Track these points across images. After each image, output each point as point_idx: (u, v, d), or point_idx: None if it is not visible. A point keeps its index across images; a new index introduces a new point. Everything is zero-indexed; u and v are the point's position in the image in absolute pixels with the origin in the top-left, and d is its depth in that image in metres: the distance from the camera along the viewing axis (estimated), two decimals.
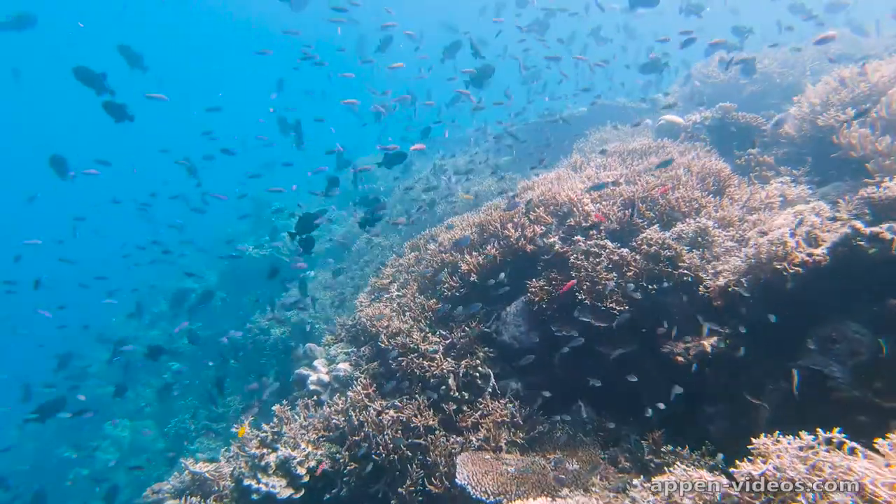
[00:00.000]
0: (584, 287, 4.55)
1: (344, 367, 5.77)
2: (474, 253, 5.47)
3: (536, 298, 4.88)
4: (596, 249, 4.71)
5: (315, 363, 6.16)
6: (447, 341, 5.19)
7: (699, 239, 4.64)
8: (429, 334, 5.25)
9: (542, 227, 5.23)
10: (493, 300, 5.44)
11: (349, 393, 5.09)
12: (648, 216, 4.97)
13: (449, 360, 5.03)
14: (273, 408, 5.36)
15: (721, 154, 6.66)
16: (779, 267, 3.50)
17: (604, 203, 5.02)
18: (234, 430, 5.53)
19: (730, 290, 3.70)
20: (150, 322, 17.57)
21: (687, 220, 4.88)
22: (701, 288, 4.20)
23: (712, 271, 4.26)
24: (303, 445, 4.83)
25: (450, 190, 12.81)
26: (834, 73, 6.20)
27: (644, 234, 4.70)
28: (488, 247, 5.39)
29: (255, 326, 13.88)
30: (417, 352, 5.07)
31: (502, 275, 5.18)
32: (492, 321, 5.33)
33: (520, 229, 5.31)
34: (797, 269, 3.52)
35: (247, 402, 13.20)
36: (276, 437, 4.99)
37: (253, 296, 15.86)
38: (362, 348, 5.86)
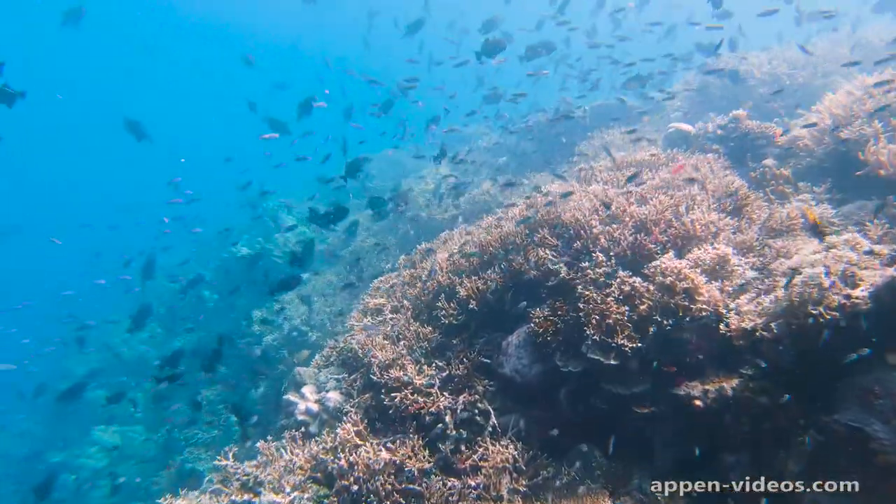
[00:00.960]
0: (593, 321, 4.18)
1: (334, 396, 5.40)
2: (473, 277, 5.09)
3: (540, 329, 4.51)
4: (606, 279, 4.34)
5: (304, 389, 5.79)
6: (444, 374, 4.82)
7: (717, 268, 4.27)
8: (424, 366, 4.88)
9: (548, 251, 4.85)
10: (493, 327, 5.08)
11: (338, 430, 4.71)
12: (661, 240, 4.59)
13: (446, 394, 4.67)
14: (257, 444, 5.00)
15: (734, 166, 6.29)
16: (814, 312, 3.14)
17: (613, 227, 4.64)
18: (218, 462, 5.18)
19: (757, 334, 3.34)
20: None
21: (704, 245, 4.52)
22: (721, 326, 3.83)
23: (734, 307, 3.89)
24: (287, 489, 4.47)
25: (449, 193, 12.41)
26: (857, 81, 5.82)
27: (658, 263, 4.33)
28: (489, 271, 5.02)
29: (247, 331, 13.54)
30: (412, 386, 4.70)
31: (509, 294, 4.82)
32: (492, 351, 4.97)
33: (523, 252, 4.94)
34: (834, 313, 3.16)
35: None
36: (257, 482, 4.62)
37: (245, 298, 15.49)
38: (354, 375, 5.49)
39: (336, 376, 5.80)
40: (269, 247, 16.57)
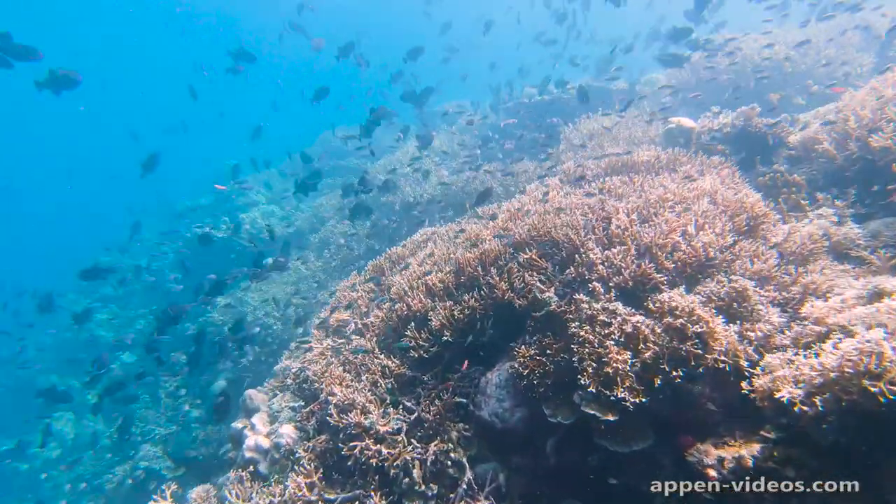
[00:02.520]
0: (589, 368, 3.52)
1: (287, 431, 4.71)
2: (448, 302, 4.39)
3: (525, 371, 3.85)
4: (605, 317, 3.67)
5: (254, 419, 5.09)
6: (413, 415, 4.15)
7: (735, 305, 3.63)
8: (390, 407, 4.20)
9: (535, 277, 4.16)
10: (470, 359, 4.41)
11: (289, 484, 4.03)
12: (667, 267, 3.93)
13: (414, 442, 4.01)
14: (190, 495, 4.30)
15: (742, 169, 5.62)
16: (872, 389, 2.50)
17: (614, 252, 3.95)
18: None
19: (795, 409, 2.71)
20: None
21: (717, 275, 3.87)
22: (744, 385, 3.20)
23: (762, 365, 3.25)
24: None
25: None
26: (889, 77, 5.15)
27: (665, 297, 3.66)
28: (466, 296, 4.32)
29: (208, 320, 12.73)
30: (375, 432, 4.02)
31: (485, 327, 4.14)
32: (468, 389, 4.30)
33: (506, 277, 4.25)
34: None
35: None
36: None
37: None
38: (311, 406, 4.79)
39: (291, 404, 5.10)
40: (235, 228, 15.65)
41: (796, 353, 3.03)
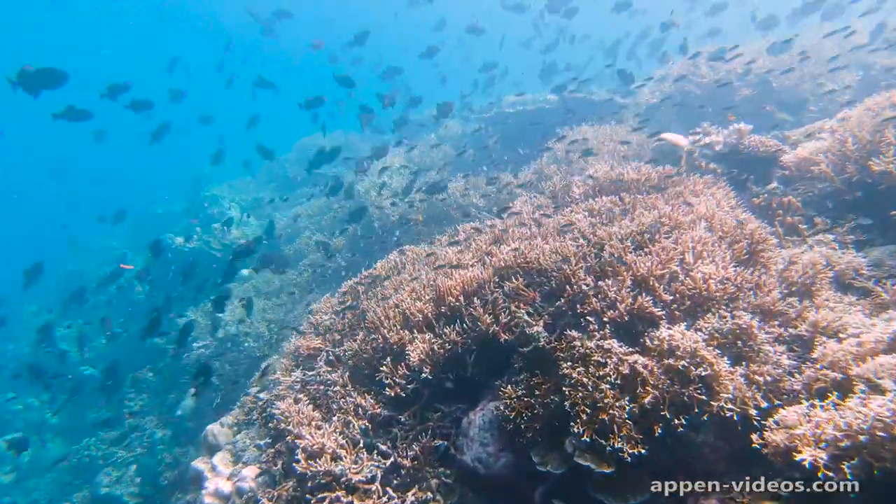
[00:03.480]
0: (583, 415, 3.19)
1: (251, 474, 4.31)
2: (428, 334, 4.04)
3: (511, 413, 3.51)
4: (599, 356, 3.35)
5: (216, 459, 4.68)
6: (388, 460, 3.78)
7: (739, 343, 3.34)
8: (363, 451, 3.83)
9: (522, 309, 3.83)
10: (451, 396, 4.07)
11: None
12: (665, 300, 3.63)
13: (390, 491, 3.64)
14: None
15: (734, 189, 5.38)
16: None
17: (608, 283, 3.64)
18: None
19: (819, 475, 2.41)
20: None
21: (719, 309, 3.58)
22: (755, 438, 2.90)
23: (776, 419, 2.96)
24: None
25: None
26: (885, 97, 4.95)
27: (664, 335, 3.36)
28: (447, 329, 3.97)
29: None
30: (346, 479, 3.64)
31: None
32: (449, 429, 3.95)
33: (491, 308, 3.91)
34: None
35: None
36: None
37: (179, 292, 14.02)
38: (279, 444, 4.39)
39: (257, 441, 4.70)
40: (207, 238, 15.11)
41: (812, 405, 2.74)
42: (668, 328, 3.49)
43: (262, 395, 5.19)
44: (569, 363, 3.41)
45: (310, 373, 4.67)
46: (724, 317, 3.46)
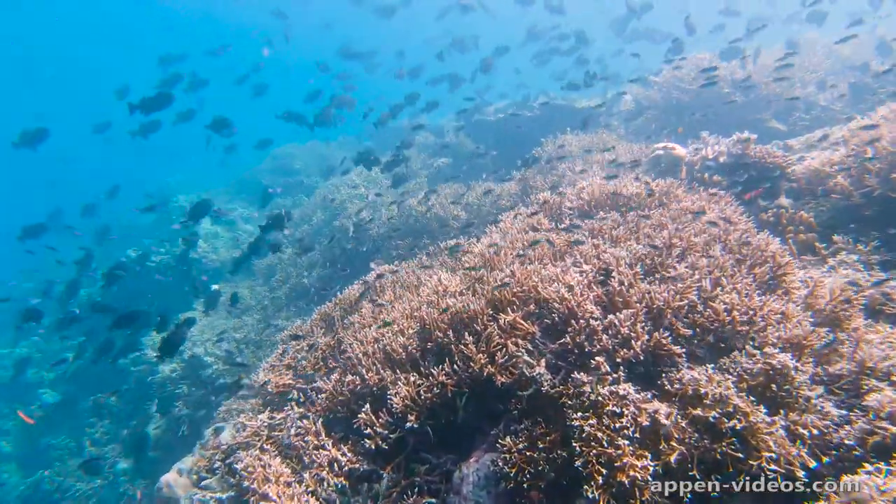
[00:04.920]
0: (597, 476, 2.71)
1: None
2: (413, 375, 3.53)
3: (510, 469, 3.02)
4: (613, 405, 2.87)
5: None
6: None
7: (773, 387, 2.90)
8: None
9: (521, 346, 3.35)
10: (440, 444, 3.56)
11: None
12: (684, 334, 3.18)
13: None
14: None
15: (741, 203, 4.99)
16: None
17: (620, 317, 3.18)
18: None
19: None
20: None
21: (745, 344, 3.14)
22: None
23: (815, 465, 2.51)
24: None
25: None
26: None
27: (687, 377, 2.91)
28: (435, 369, 3.46)
29: (141, 356, 11.45)
30: None
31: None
32: (438, 484, 3.44)
33: (485, 345, 3.42)
34: None
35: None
36: None
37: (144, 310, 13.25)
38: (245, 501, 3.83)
39: (219, 495, 4.13)
40: (174, 251, 14.41)
41: (878, 469, 2.30)
42: (690, 368, 3.04)
43: (226, 436, 4.63)
44: (579, 413, 2.92)
45: (278, 416, 4.12)
46: (753, 355, 3.02)
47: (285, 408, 4.20)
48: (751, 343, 3.17)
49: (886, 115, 4.70)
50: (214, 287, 12.82)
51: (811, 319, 3.38)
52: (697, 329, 3.22)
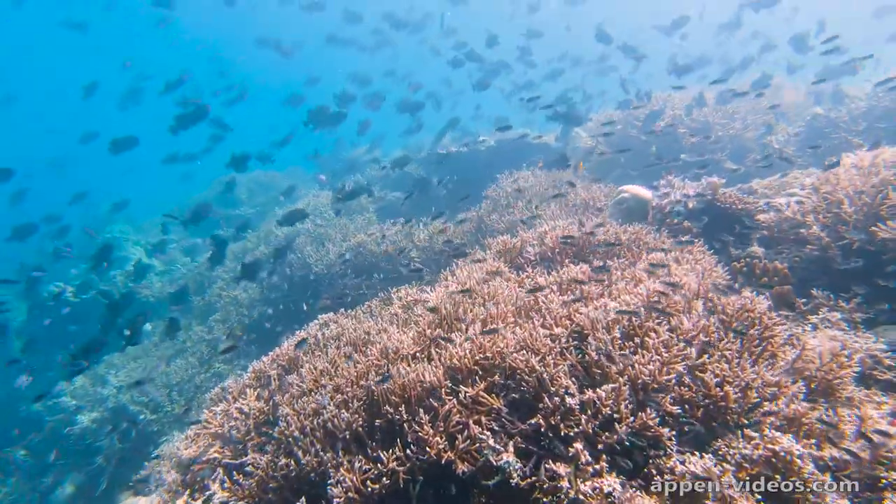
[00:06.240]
0: None
1: None
2: (358, 459, 2.99)
3: None
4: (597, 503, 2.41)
5: None
6: None
7: (778, 478, 2.50)
8: None
9: (485, 427, 2.87)
10: None
11: None
12: (671, 412, 2.77)
13: None
14: None
15: (711, 251, 4.71)
16: None
17: (599, 393, 2.74)
18: None
19: None
20: None
21: (740, 420, 2.76)
22: None
23: None
24: None
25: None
26: (860, 156, 4.43)
27: (678, 469, 2.49)
28: (385, 454, 2.93)
29: (58, 403, 10.39)
30: None
31: None
32: None
33: (443, 425, 2.92)
34: None
35: None
36: None
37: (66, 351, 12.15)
38: None
39: None
40: (104, 287, 13.39)
41: None
42: (681, 454, 2.62)
43: None
44: None
45: (199, 500, 3.48)
46: (752, 438, 2.63)
47: (207, 490, 3.58)
48: (745, 417, 2.79)
49: (856, 164, 4.53)
50: (147, 326, 11.92)
51: (803, 389, 3.04)
52: (686, 406, 2.82)
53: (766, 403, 2.82)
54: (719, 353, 3.04)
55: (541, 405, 2.84)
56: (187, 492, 3.64)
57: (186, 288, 10.70)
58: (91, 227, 16.34)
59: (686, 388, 2.87)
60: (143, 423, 9.23)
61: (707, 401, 2.81)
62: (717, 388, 2.81)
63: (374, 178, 14.14)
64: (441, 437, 2.85)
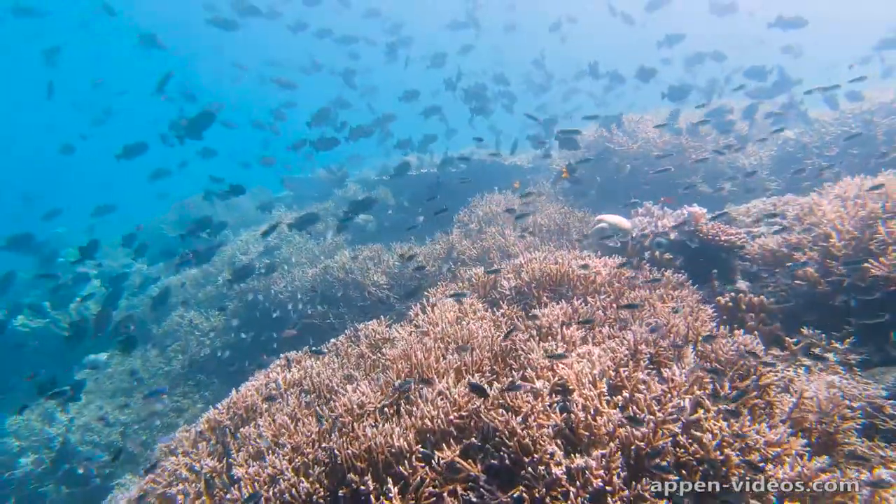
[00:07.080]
0: None
1: None
2: None
3: None
4: None
5: None
6: None
7: None
8: None
9: (460, 493, 2.55)
10: None
11: None
12: (669, 480, 2.50)
13: None
14: None
15: (695, 285, 4.50)
16: None
17: (588, 461, 2.45)
18: None
19: None
20: None
21: (743, 488, 2.49)
22: None
23: None
24: None
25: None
26: (853, 184, 4.29)
27: None
28: None
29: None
30: None
31: None
32: None
33: (414, 496, 2.59)
34: None
35: None
36: None
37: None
38: None
39: None
40: (57, 316, 12.75)
41: None
42: None
43: None
44: None
45: None
46: None
47: None
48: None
49: (839, 194, 4.40)
50: (103, 356, 11.32)
51: (806, 447, 2.80)
52: (683, 471, 2.55)
53: (769, 468, 2.56)
54: (715, 406, 2.78)
55: (523, 472, 2.54)
56: None
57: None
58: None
59: (682, 450, 2.60)
60: (101, 464, 8.61)
61: (705, 466, 2.55)
62: (717, 452, 2.55)
63: (341, 198, 13.79)
64: None
